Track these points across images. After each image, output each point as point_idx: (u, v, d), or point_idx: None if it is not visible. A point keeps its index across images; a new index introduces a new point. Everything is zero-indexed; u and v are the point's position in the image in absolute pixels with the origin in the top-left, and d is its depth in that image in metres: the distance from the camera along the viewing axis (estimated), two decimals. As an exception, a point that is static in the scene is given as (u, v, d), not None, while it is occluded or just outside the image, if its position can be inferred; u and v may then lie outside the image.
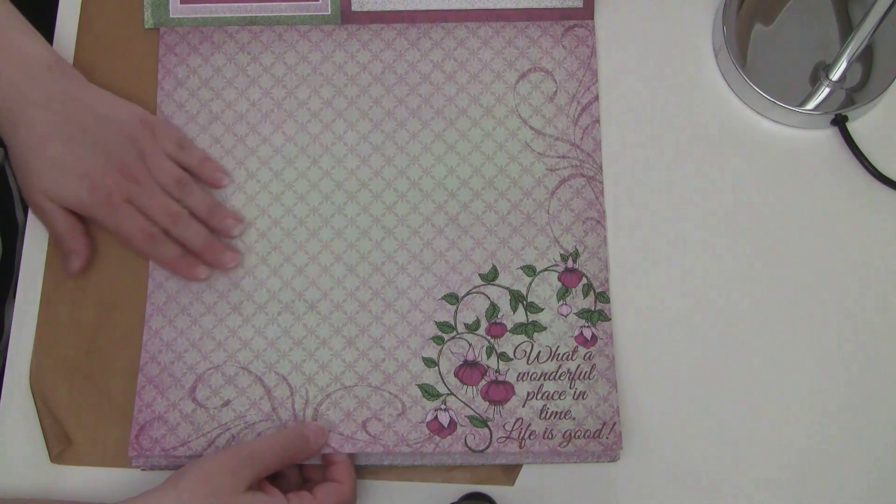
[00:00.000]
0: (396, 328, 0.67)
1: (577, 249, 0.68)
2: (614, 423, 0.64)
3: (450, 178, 0.70)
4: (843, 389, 0.67)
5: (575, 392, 0.65)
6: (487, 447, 0.64)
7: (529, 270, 0.68)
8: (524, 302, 0.67)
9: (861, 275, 0.69)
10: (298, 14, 0.73)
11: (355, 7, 0.72)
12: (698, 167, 0.71)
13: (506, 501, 0.64)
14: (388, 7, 0.72)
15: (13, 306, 0.68)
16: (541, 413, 0.64)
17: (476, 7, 0.73)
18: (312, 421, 0.64)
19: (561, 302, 0.67)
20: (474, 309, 0.67)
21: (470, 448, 0.64)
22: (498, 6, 0.72)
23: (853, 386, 0.67)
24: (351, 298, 0.67)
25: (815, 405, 0.66)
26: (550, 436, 0.64)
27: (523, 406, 0.65)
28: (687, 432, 0.66)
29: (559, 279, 0.68)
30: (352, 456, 0.64)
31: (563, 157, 0.70)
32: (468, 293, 0.67)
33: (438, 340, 0.66)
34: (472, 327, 0.66)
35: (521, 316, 0.67)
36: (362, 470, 0.65)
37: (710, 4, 0.74)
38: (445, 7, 0.72)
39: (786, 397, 0.66)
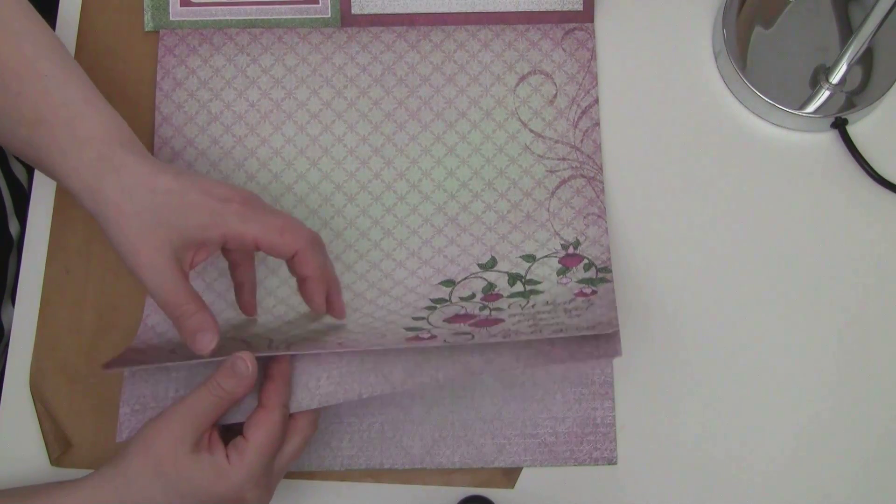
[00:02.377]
0: (390, 306, 0.66)
1: (577, 240, 0.68)
2: (614, 329, 0.57)
3: (449, 181, 0.70)
4: (844, 390, 0.67)
5: (570, 314, 0.61)
6: (469, 340, 0.59)
7: (529, 258, 0.68)
8: (522, 279, 0.67)
9: (861, 277, 0.69)
10: (298, 17, 0.73)
11: (355, 10, 0.72)
12: (699, 170, 0.71)
13: (506, 504, 0.64)
14: (388, 10, 0.72)
15: (11, 310, 0.68)
16: (531, 327, 0.60)
17: (476, 10, 0.73)
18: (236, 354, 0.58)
19: (561, 276, 0.67)
20: (471, 288, 0.67)
21: (447, 342, 0.58)
22: (498, 9, 0.72)
23: (853, 386, 0.67)
24: (347, 290, 0.67)
25: (814, 406, 0.66)
26: (539, 331, 0.59)
27: (512, 327, 0.61)
28: (686, 435, 0.66)
29: (560, 262, 0.68)
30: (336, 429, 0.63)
31: (563, 159, 0.70)
32: (465, 278, 0.67)
33: (431, 308, 0.66)
34: (468, 298, 0.66)
35: (518, 288, 0.66)
36: (362, 473, 0.65)
37: (710, 7, 0.74)
38: (445, 10, 0.72)
39: (785, 398, 0.66)
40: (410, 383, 0.58)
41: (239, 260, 0.64)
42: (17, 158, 0.75)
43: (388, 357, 0.59)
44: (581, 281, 0.66)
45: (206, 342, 0.57)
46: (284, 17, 0.73)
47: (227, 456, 0.56)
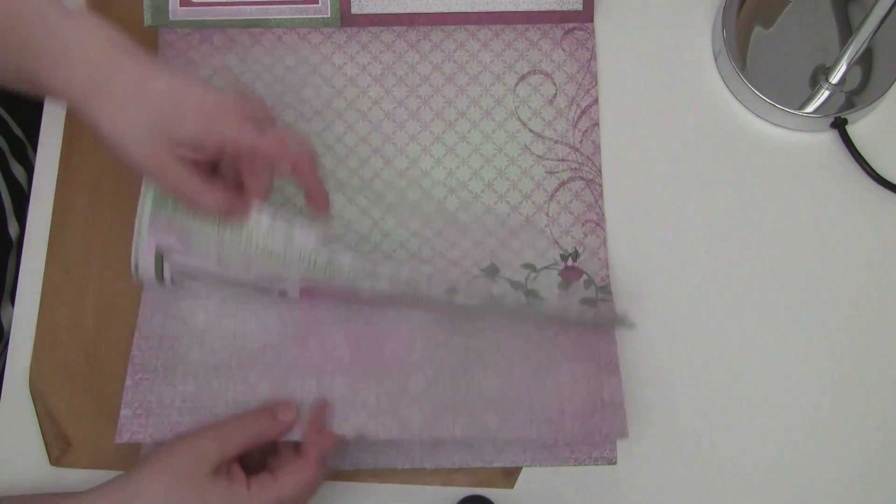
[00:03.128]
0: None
1: (576, 250, 0.68)
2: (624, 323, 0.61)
3: (449, 180, 0.70)
4: (843, 390, 0.67)
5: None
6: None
7: (530, 267, 0.68)
8: (524, 289, 0.67)
9: (860, 277, 0.69)
10: (298, 17, 0.73)
11: (355, 9, 0.72)
12: (698, 170, 0.71)
13: (505, 504, 0.64)
14: (388, 10, 0.72)
15: (10, 311, 0.68)
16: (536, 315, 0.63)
17: (476, 10, 0.73)
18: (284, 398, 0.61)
19: (562, 290, 0.67)
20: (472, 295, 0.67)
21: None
22: (498, 9, 0.72)
23: (852, 387, 0.67)
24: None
25: (815, 406, 0.66)
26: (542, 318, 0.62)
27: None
28: (686, 435, 0.66)
29: (560, 275, 0.68)
30: (344, 450, 0.64)
31: (563, 160, 0.70)
32: (468, 281, 0.67)
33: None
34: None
35: (520, 295, 0.67)
36: (362, 473, 0.65)
37: (710, 7, 0.74)
38: (445, 10, 0.72)
39: (785, 398, 0.66)
40: (427, 434, 0.62)
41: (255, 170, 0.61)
42: (16, 160, 0.75)
43: (404, 401, 0.62)
44: (583, 301, 0.66)
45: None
46: (284, 16, 0.73)
47: (248, 486, 0.56)
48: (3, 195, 0.71)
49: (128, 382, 0.64)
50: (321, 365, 0.64)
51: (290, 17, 0.73)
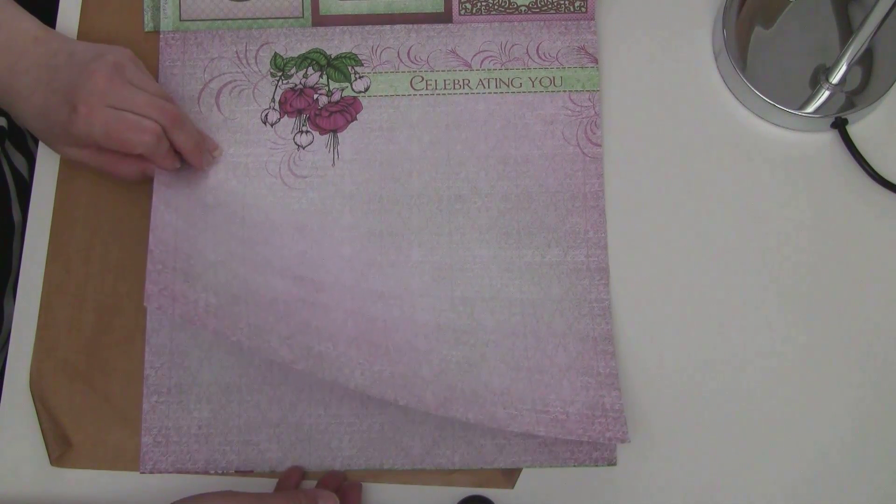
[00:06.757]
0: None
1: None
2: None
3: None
4: (842, 390, 0.67)
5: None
6: None
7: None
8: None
9: (861, 277, 0.69)
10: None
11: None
12: (698, 170, 0.71)
13: (506, 504, 0.64)
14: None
15: (13, 303, 0.68)
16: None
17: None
18: (324, 490, 0.62)
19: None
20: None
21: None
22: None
23: (853, 386, 0.67)
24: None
25: (814, 407, 0.66)
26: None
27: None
28: (686, 436, 0.66)
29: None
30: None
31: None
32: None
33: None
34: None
35: None
36: (362, 473, 0.65)
37: (711, 7, 0.74)
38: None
39: (785, 399, 0.66)
40: (429, 462, 0.64)
41: None
42: (16, 149, 0.76)
43: (407, 429, 0.65)
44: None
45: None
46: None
47: None
48: (7, 180, 0.71)
49: (145, 406, 0.65)
50: (328, 387, 0.65)
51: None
